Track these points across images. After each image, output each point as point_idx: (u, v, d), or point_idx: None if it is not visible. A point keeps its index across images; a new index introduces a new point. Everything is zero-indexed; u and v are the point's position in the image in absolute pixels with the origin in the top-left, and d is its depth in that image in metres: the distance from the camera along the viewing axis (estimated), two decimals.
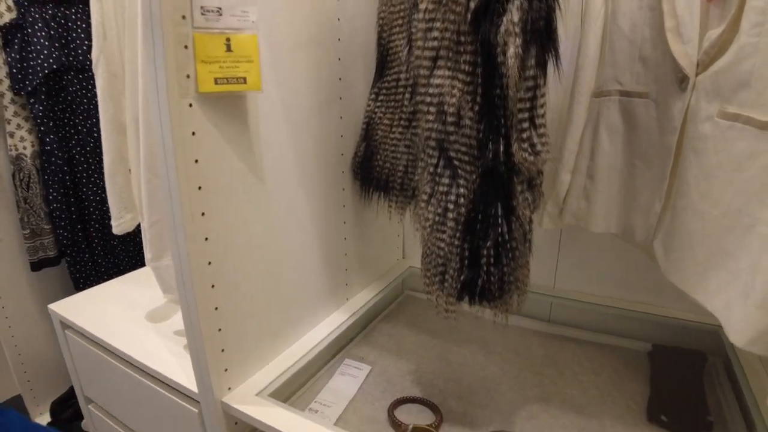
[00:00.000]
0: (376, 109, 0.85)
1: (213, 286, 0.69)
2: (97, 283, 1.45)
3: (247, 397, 0.74)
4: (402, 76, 0.79)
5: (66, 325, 1.06)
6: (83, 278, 1.44)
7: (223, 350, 0.72)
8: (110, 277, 1.48)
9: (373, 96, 0.86)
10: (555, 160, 0.83)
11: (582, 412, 0.81)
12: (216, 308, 0.69)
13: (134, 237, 1.50)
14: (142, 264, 1.37)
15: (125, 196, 0.96)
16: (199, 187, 0.65)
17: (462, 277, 0.64)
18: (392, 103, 0.82)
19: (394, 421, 0.78)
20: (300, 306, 0.88)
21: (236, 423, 0.76)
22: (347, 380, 0.88)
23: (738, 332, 0.57)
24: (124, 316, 1.01)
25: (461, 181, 0.61)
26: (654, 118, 0.74)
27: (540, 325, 1.06)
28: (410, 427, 0.75)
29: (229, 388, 0.75)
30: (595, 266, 1.03)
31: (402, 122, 0.81)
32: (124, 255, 1.50)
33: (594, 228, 0.84)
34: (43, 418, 1.57)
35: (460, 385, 0.88)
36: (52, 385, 1.61)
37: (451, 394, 0.85)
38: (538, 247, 1.06)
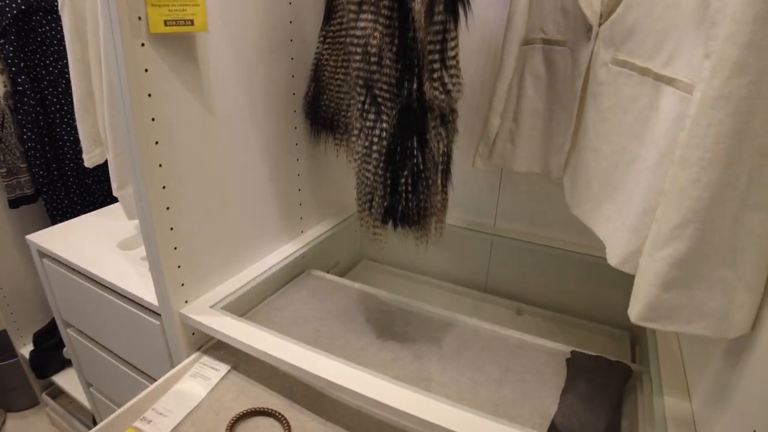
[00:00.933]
0: (324, 51, 0.91)
1: (168, 208, 0.77)
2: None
3: (201, 309, 0.84)
4: (345, 20, 0.86)
5: (43, 253, 1.14)
6: (60, 215, 1.51)
7: (179, 266, 0.81)
8: (85, 213, 1.55)
9: (321, 38, 0.92)
10: (486, 105, 0.91)
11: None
12: (171, 228, 0.78)
13: (107, 176, 1.57)
14: (115, 200, 1.44)
15: (94, 131, 1.03)
16: (153, 119, 0.73)
17: (385, 204, 0.73)
18: (337, 46, 0.89)
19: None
20: (253, 234, 0.97)
21: (193, 333, 0.86)
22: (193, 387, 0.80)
23: (613, 254, 0.67)
24: (96, 245, 1.10)
25: (384, 117, 0.69)
26: (569, 66, 0.82)
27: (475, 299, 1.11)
28: None
29: (186, 302, 0.84)
30: (533, 206, 1.13)
31: (345, 64, 0.87)
32: (99, 193, 1.57)
33: (518, 168, 0.93)
34: (27, 349, 1.68)
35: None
36: (34, 318, 1.72)
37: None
38: (479, 187, 1.16)
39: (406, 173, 0.69)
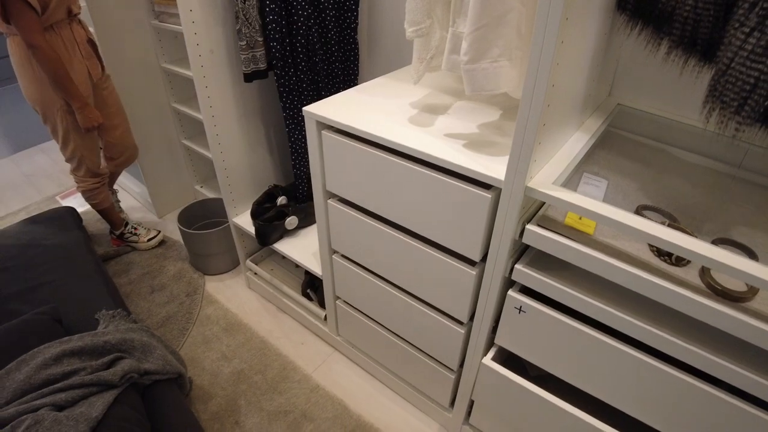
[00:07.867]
0: None
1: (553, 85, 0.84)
2: (298, 97, 1.61)
3: (545, 185, 0.93)
4: None
5: (323, 125, 1.23)
6: (286, 92, 1.59)
7: (540, 143, 0.90)
8: (310, 92, 1.64)
9: None
10: None
11: None
12: (548, 105, 0.85)
13: (334, 55, 1.63)
14: (341, 82, 1.57)
15: (426, 4, 1.01)
16: None
17: (766, 103, 0.78)
18: None
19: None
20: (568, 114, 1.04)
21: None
22: (592, 189, 1.06)
23: None
24: (382, 119, 1.17)
25: None
26: None
27: None
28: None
29: (531, 177, 0.94)
30: None
31: None
32: (324, 73, 1.64)
33: None
34: (239, 218, 1.88)
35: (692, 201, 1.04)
36: (247, 190, 1.91)
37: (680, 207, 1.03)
38: None
39: None
